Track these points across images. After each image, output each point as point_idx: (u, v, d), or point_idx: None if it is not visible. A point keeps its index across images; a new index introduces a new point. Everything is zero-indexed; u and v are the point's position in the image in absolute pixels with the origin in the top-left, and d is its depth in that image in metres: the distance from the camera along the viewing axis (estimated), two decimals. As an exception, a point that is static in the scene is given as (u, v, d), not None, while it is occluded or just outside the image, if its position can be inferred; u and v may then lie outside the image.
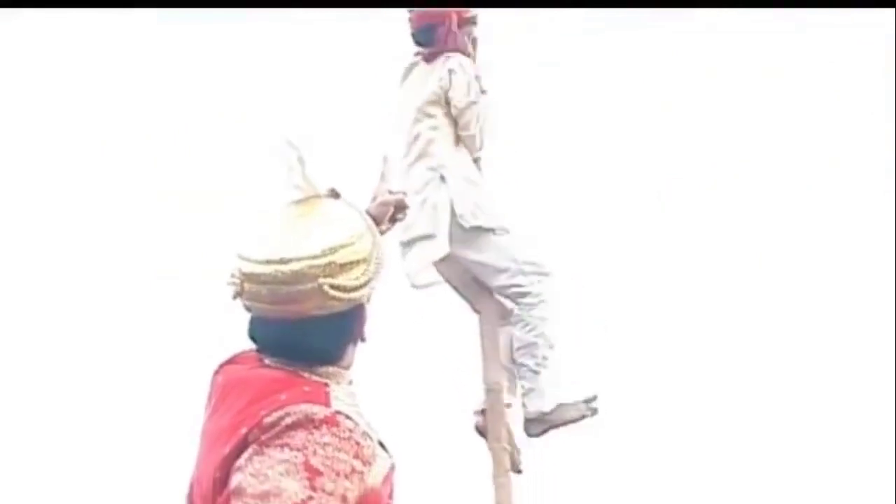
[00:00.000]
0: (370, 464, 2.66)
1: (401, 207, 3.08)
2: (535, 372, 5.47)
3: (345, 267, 2.71)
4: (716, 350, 8.57)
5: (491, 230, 5.53)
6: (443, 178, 5.53)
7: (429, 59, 5.67)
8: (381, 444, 2.73)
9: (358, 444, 2.65)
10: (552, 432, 5.71)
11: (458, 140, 5.62)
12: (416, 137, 5.59)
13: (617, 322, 8.55)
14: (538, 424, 5.49)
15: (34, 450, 8.04)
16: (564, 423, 5.54)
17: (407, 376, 6.86)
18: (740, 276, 8.88)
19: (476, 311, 5.66)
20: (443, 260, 5.50)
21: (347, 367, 2.80)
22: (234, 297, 2.75)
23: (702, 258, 8.84)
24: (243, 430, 2.65)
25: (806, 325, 8.65)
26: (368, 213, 2.89)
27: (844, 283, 8.83)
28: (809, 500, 7.96)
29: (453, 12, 5.67)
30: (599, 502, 7.73)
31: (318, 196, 2.81)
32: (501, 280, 5.53)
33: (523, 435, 5.64)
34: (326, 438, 2.62)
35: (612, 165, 8.88)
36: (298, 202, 2.81)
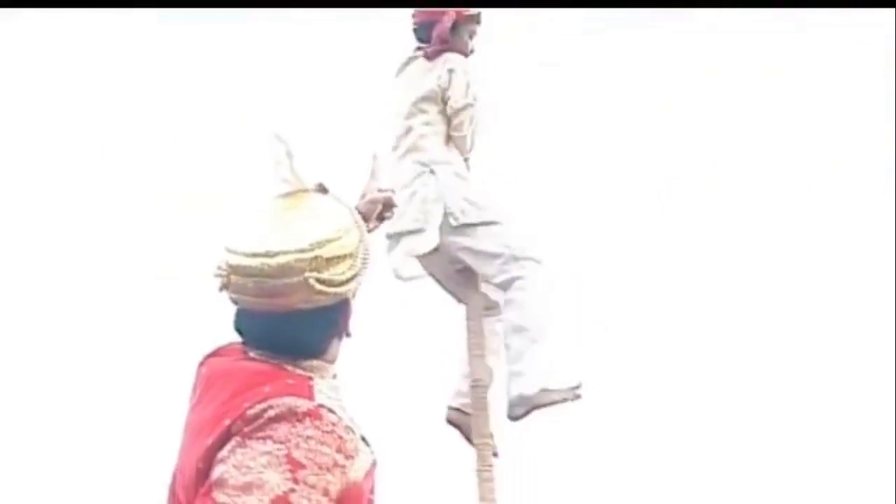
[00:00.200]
0: (352, 458, 2.66)
1: (389, 206, 3.10)
2: (522, 354, 5.43)
3: (331, 261, 2.72)
4: (715, 350, 8.57)
5: (482, 224, 5.52)
6: (433, 173, 5.52)
7: (429, 56, 5.67)
8: (364, 439, 2.74)
9: (341, 437, 2.65)
10: (552, 430, 5.71)
11: (449, 139, 5.62)
12: (408, 131, 5.59)
13: (617, 322, 8.54)
14: (520, 407, 5.45)
15: (32, 446, 8.06)
16: (546, 406, 5.49)
17: (390, 371, 6.86)
18: (740, 275, 8.87)
19: (461, 302, 5.63)
20: (428, 253, 5.48)
21: (332, 362, 2.81)
22: (221, 290, 2.76)
23: (702, 258, 8.83)
24: (227, 422, 2.65)
25: (806, 325, 8.64)
26: (357, 209, 2.90)
27: (844, 283, 8.82)
28: (810, 501, 7.97)
29: (454, 10, 5.68)
30: (587, 494, 7.74)
31: (305, 190, 2.82)
32: (494, 266, 5.48)
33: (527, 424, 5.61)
34: (309, 431, 2.63)
35: (612, 165, 8.88)
36: (286, 196, 2.82)
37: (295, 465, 2.60)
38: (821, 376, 8.51)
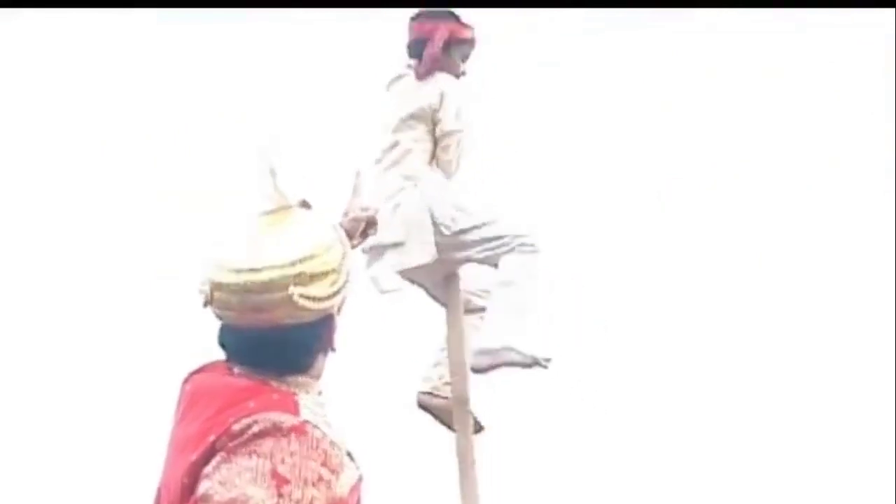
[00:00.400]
0: (338, 473, 2.67)
1: (372, 223, 3.12)
2: (497, 308, 5.42)
3: (315, 277, 2.73)
4: (715, 349, 8.57)
5: (473, 227, 5.52)
6: (416, 187, 5.50)
7: (420, 76, 5.63)
8: (349, 455, 2.75)
9: (326, 452, 2.66)
10: (552, 430, 5.71)
11: (434, 158, 5.60)
12: (394, 145, 5.56)
13: (617, 322, 8.54)
14: (484, 358, 5.44)
15: (28, 448, 8.07)
16: (508, 365, 5.48)
17: (375, 387, 6.86)
18: (740, 275, 8.87)
19: (445, 305, 5.64)
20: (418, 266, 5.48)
21: (317, 377, 2.81)
22: (205, 305, 2.77)
23: (702, 258, 8.82)
24: (211, 438, 2.66)
25: (806, 325, 8.64)
26: (340, 226, 2.91)
27: (844, 283, 8.82)
28: (810, 501, 7.97)
29: (447, 29, 5.63)
30: (587, 494, 7.75)
31: (289, 206, 2.83)
32: (492, 246, 5.48)
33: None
34: (294, 447, 2.64)
35: (612, 165, 8.87)
36: (270, 212, 2.83)
37: (280, 480, 2.61)
38: (821, 376, 8.51)
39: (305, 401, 2.74)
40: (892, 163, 8.72)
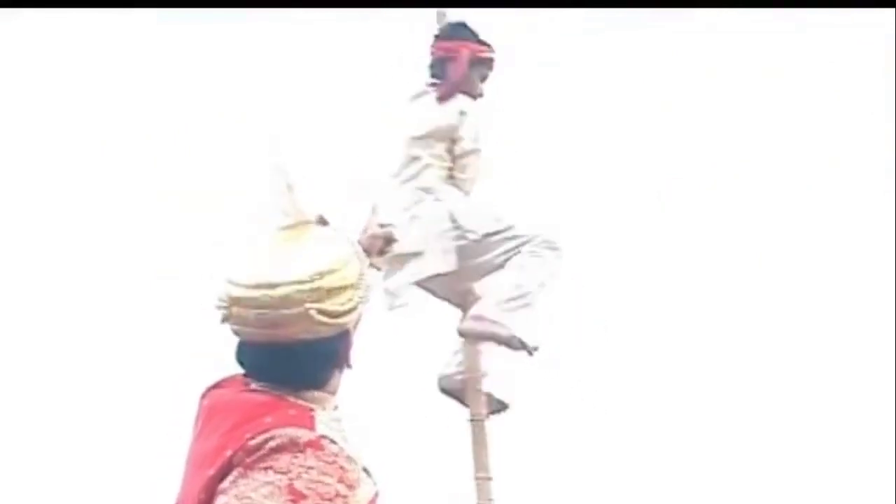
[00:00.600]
0: (354, 488, 2.67)
1: (389, 241, 3.13)
2: (506, 284, 5.44)
3: (332, 292, 2.73)
4: (716, 349, 8.58)
5: (499, 231, 5.55)
6: (436, 199, 5.53)
7: (441, 97, 5.65)
8: (366, 470, 2.75)
9: (342, 468, 2.66)
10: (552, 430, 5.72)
11: (451, 177, 5.63)
12: (414, 159, 5.59)
13: (617, 322, 8.55)
14: (476, 324, 5.46)
15: (28, 451, 8.06)
16: (495, 340, 5.49)
17: (392, 402, 6.86)
18: (740, 275, 8.88)
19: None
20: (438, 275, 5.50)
21: (333, 393, 2.82)
22: (223, 322, 2.78)
23: (702, 258, 8.83)
24: (228, 453, 2.66)
25: (806, 325, 8.65)
26: (358, 243, 2.91)
27: (844, 283, 8.83)
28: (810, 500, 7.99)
29: (467, 49, 5.64)
30: (587, 494, 7.76)
31: (306, 222, 2.84)
32: (514, 247, 5.51)
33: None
34: (311, 462, 2.64)
35: (612, 165, 8.87)
36: (287, 227, 2.83)
37: (297, 495, 2.61)
38: (821, 376, 8.52)
39: (322, 416, 2.74)
40: (893, 163, 8.73)
